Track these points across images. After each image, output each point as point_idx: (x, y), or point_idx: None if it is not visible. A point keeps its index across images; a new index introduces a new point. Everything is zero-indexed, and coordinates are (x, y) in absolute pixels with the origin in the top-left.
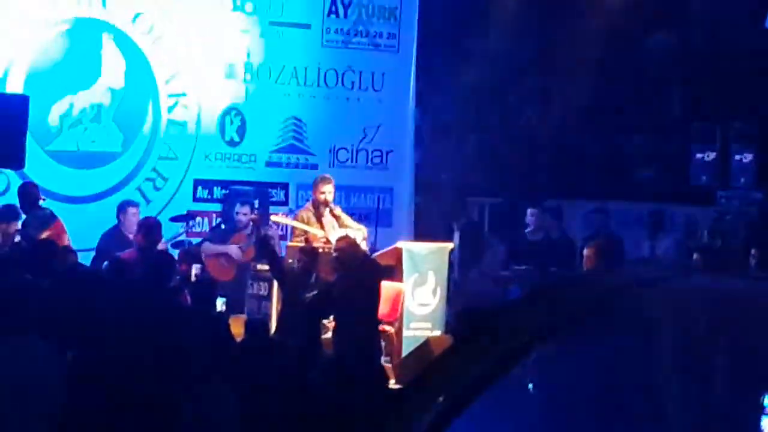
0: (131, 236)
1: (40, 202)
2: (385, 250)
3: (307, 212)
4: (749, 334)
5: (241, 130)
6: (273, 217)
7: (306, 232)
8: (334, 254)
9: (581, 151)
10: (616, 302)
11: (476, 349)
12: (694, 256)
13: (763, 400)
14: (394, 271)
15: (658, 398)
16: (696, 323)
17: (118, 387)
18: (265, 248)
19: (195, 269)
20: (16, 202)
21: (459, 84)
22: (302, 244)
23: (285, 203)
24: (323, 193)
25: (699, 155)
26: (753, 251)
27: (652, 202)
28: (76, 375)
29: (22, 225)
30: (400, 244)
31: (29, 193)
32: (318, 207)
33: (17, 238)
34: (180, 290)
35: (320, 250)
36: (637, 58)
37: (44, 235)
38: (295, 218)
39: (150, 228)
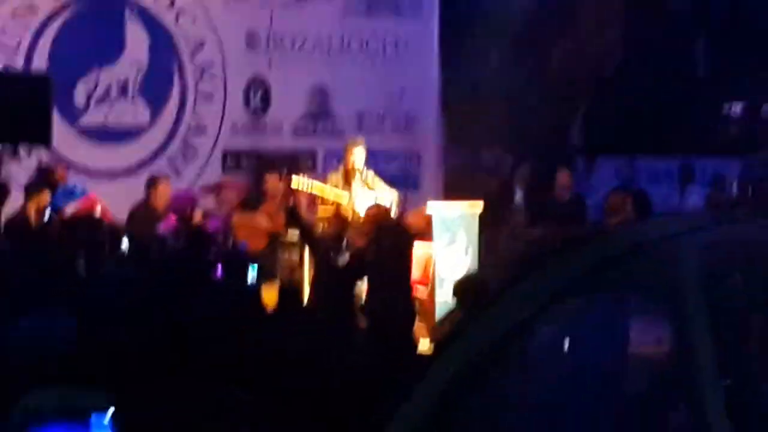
0: (160, 210)
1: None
2: (414, 212)
3: (336, 176)
4: None
5: (266, 99)
6: (294, 183)
7: (330, 196)
8: (366, 219)
9: (611, 106)
10: (642, 255)
11: (497, 311)
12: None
13: None
14: (424, 234)
15: (688, 357)
16: (729, 274)
17: (151, 358)
18: (293, 216)
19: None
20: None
21: (484, 46)
22: (331, 211)
23: (314, 170)
24: (350, 156)
25: (727, 108)
26: None
27: (681, 156)
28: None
29: (52, 200)
30: (429, 206)
31: (52, 171)
32: (347, 172)
33: (47, 214)
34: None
35: (350, 216)
36: (666, 9)
37: (73, 209)
38: (325, 181)
39: (183, 200)
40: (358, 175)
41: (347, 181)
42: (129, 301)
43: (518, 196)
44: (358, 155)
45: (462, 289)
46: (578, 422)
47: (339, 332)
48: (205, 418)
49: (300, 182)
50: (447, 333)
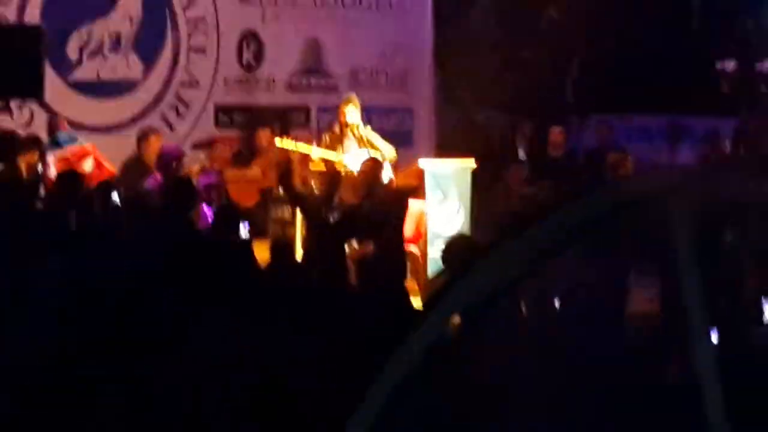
0: (152, 165)
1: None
2: (406, 169)
3: (330, 134)
4: None
5: (259, 54)
6: (278, 142)
7: (315, 155)
8: (360, 176)
9: (603, 64)
10: (632, 211)
11: (498, 262)
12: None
13: None
14: (416, 191)
15: (680, 313)
16: (722, 228)
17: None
18: (284, 179)
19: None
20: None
21: (478, 2)
22: (323, 167)
23: (306, 126)
24: (343, 114)
25: (720, 65)
26: None
27: (673, 114)
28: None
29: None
30: (421, 162)
31: (49, 124)
32: (341, 129)
33: (39, 170)
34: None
35: (342, 173)
36: None
37: (59, 157)
38: (320, 139)
39: (166, 157)
40: (350, 132)
41: (340, 139)
42: (119, 257)
43: (520, 152)
44: (351, 112)
45: (449, 251)
46: (572, 381)
47: (331, 288)
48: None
49: (284, 142)
50: (437, 289)
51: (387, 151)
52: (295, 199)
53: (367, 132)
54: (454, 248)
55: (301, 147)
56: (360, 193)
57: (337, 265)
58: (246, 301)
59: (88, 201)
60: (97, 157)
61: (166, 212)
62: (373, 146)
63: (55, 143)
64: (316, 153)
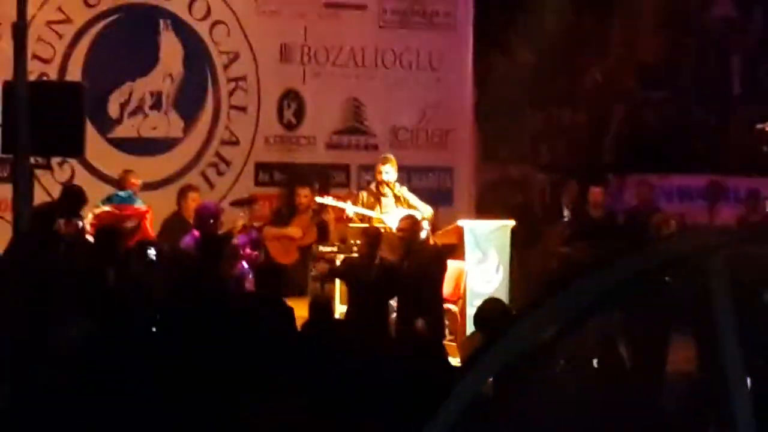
0: (191, 221)
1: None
2: (446, 228)
3: (368, 192)
4: None
5: (299, 113)
6: (317, 198)
7: (360, 214)
8: (399, 234)
9: (642, 125)
10: (676, 271)
11: (537, 321)
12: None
13: None
14: (456, 250)
15: (720, 374)
16: (759, 289)
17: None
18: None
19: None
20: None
21: (517, 61)
22: (364, 225)
23: (346, 185)
24: (380, 173)
25: (759, 125)
26: None
27: (713, 174)
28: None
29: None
30: (461, 222)
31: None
32: (378, 187)
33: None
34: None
35: (383, 230)
36: (700, 27)
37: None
38: (357, 197)
39: (203, 214)
40: (389, 190)
41: (378, 197)
42: (155, 310)
43: (565, 212)
44: (388, 171)
45: (481, 314)
46: None
47: (371, 346)
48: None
49: (324, 199)
50: (476, 349)
51: (424, 210)
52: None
53: (404, 191)
54: (486, 311)
55: (340, 204)
56: (399, 252)
57: (378, 323)
58: (286, 359)
59: (127, 258)
60: (144, 219)
61: (201, 267)
62: (410, 205)
63: (108, 200)
64: (353, 210)
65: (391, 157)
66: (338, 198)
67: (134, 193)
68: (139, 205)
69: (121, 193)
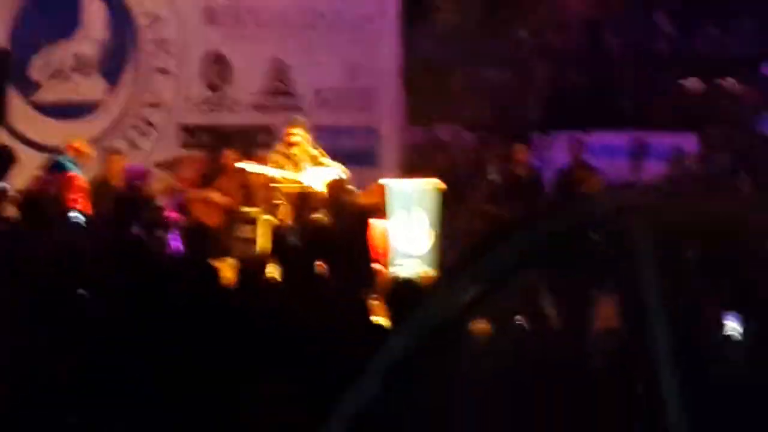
0: (116, 185)
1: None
2: (369, 188)
3: (279, 155)
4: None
5: (223, 75)
6: (242, 165)
7: (275, 176)
8: (327, 194)
9: (567, 83)
10: (599, 229)
11: (462, 280)
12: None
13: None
14: (379, 210)
15: (643, 332)
16: (684, 248)
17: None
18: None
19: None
20: None
21: (442, 21)
22: (289, 186)
23: (272, 146)
24: (289, 134)
25: (684, 82)
26: (742, 175)
27: (637, 131)
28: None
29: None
30: (384, 181)
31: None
32: (289, 148)
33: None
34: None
35: (307, 191)
36: None
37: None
38: (266, 159)
39: (130, 176)
40: (300, 151)
41: (290, 158)
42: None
43: (490, 171)
44: (298, 133)
45: (393, 295)
46: (535, 396)
47: (300, 307)
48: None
49: (248, 165)
50: (404, 308)
51: (339, 173)
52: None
53: (313, 151)
54: (398, 293)
55: (261, 168)
56: (327, 212)
57: (309, 285)
58: (214, 321)
59: (51, 224)
60: (70, 186)
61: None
62: (320, 164)
63: (60, 166)
64: (276, 173)
65: (300, 119)
66: (255, 162)
67: (74, 159)
68: (71, 171)
69: (59, 158)
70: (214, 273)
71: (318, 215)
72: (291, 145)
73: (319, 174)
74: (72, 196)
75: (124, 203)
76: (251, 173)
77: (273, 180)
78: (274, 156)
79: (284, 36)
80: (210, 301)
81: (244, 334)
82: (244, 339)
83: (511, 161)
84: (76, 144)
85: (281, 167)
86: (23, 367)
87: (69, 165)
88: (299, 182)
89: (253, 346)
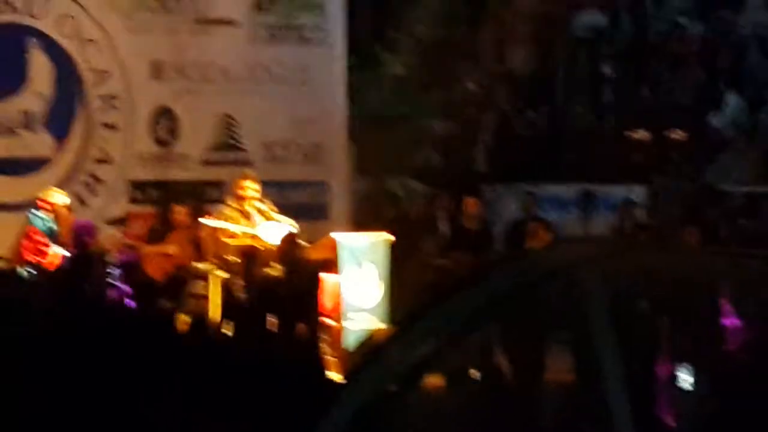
0: (66, 240)
1: None
2: (320, 242)
3: (232, 211)
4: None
5: (173, 130)
6: (202, 220)
7: (236, 231)
8: (277, 252)
9: (515, 135)
10: (552, 283)
11: (415, 336)
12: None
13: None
14: (330, 264)
15: (597, 381)
16: (635, 301)
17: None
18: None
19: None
20: None
21: (389, 74)
22: (241, 242)
23: (221, 201)
24: (244, 189)
25: (631, 133)
26: (690, 229)
27: (586, 183)
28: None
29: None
30: (334, 234)
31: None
32: (241, 204)
33: None
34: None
35: (259, 247)
36: (570, 37)
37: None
38: (223, 218)
39: (78, 232)
40: (250, 207)
41: (242, 212)
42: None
43: (441, 224)
44: (250, 186)
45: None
46: None
47: (250, 362)
48: None
49: (207, 221)
50: (357, 363)
51: (289, 227)
52: None
53: (263, 206)
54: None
55: (224, 224)
56: (277, 268)
57: (257, 340)
58: (166, 373)
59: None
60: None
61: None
62: (272, 219)
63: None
64: (239, 229)
65: (251, 173)
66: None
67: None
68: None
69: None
70: (167, 321)
71: (268, 270)
72: (242, 199)
73: (271, 228)
74: (25, 250)
75: (76, 261)
76: (202, 228)
77: (225, 235)
78: (226, 210)
79: (232, 91)
80: (163, 351)
81: (192, 386)
82: (193, 391)
83: (461, 213)
84: (49, 199)
85: (235, 221)
86: None
87: (34, 219)
88: (255, 236)
89: (201, 399)
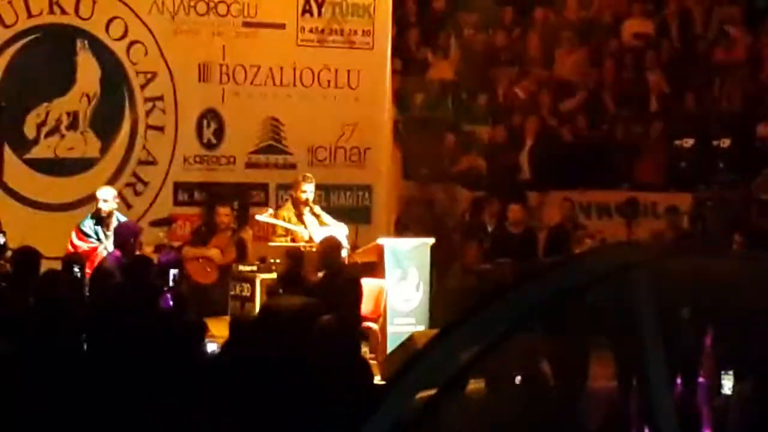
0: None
1: None
2: (366, 247)
3: (288, 212)
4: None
5: (219, 132)
6: (257, 216)
7: (290, 231)
8: (318, 254)
9: (560, 141)
10: (598, 287)
11: (458, 340)
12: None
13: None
14: (375, 268)
15: (645, 389)
16: (681, 305)
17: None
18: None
19: (172, 273)
20: None
21: (436, 79)
22: (287, 244)
23: (265, 204)
24: (304, 192)
25: (678, 142)
26: (736, 236)
27: (631, 190)
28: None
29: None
30: (380, 240)
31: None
32: (298, 206)
33: None
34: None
35: (304, 250)
36: (619, 45)
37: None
38: (276, 217)
39: (123, 233)
40: (307, 209)
41: (298, 216)
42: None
43: (485, 230)
44: (310, 190)
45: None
46: None
47: (293, 366)
48: None
49: (262, 217)
50: (397, 367)
51: (340, 229)
52: None
53: (318, 210)
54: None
55: (281, 222)
56: (319, 270)
57: (300, 343)
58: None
59: (54, 275)
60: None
61: (125, 288)
62: (324, 223)
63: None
64: (295, 229)
65: (311, 176)
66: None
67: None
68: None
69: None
70: (201, 330)
71: (312, 274)
72: (299, 201)
73: (320, 232)
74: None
75: (132, 262)
76: (246, 229)
77: (276, 234)
78: (283, 212)
79: (279, 94)
80: (194, 359)
81: (231, 394)
82: (231, 399)
83: (505, 219)
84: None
85: (289, 222)
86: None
87: (84, 219)
88: (309, 239)
89: (241, 406)
